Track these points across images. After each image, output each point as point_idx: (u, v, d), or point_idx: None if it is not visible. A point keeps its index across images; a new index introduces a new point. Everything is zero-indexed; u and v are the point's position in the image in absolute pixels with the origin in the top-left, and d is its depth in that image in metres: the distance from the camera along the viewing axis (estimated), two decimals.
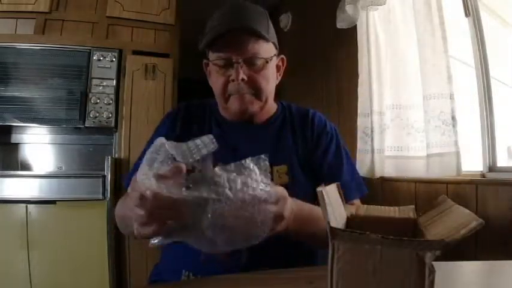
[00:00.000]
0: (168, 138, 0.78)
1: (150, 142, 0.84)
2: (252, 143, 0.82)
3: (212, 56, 0.79)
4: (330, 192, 0.38)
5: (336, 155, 0.85)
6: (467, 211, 0.33)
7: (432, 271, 0.29)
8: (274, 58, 0.83)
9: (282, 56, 0.88)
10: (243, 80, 0.76)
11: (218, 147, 0.77)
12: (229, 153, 0.78)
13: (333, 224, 0.33)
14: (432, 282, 0.29)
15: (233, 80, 0.76)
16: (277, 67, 0.87)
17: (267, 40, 0.78)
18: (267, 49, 0.79)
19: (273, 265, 0.64)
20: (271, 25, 0.82)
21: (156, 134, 0.85)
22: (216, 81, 0.81)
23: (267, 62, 0.79)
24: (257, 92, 0.79)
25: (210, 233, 0.45)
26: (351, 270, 0.32)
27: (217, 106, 0.88)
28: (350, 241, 0.32)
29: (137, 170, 0.77)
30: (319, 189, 0.35)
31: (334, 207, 0.37)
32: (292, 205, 0.57)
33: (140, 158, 0.85)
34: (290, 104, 0.93)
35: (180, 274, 0.73)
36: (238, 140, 0.82)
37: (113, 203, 1.91)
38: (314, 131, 0.86)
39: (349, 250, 0.32)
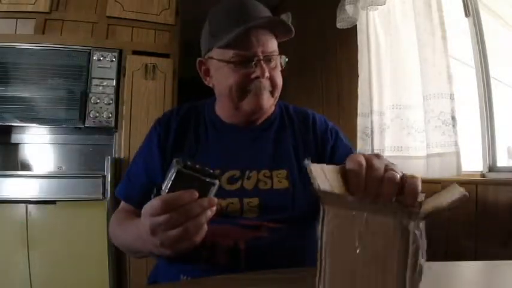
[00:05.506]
0: (163, 148, 0.78)
1: (143, 150, 0.83)
2: (251, 147, 0.79)
3: (226, 53, 0.73)
4: (327, 170, 0.38)
5: (345, 147, 0.83)
6: (458, 187, 0.34)
7: (416, 239, 0.29)
8: None
9: None
10: (266, 77, 0.73)
11: (218, 151, 0.77)
12: (229, 157, 0.77)
13: (323, 187, 0.34)
14: (417, 250, 0.29)
15: (257, 77, 0.72)
16: None
17: (289, 35, 0.78)
18: (276, 45, 0.77)
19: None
20: None
21: (149, 143, 0.81)
22: (226, 79, 0.74)
23: (280, 58, 0.78)
24: (274, 89, 0.77)
25: None
26: (339, 234, 0.34)
27: (212, 107, 0.84)
28: (338, 205, 0.34)
29: (129, 179, 0.77)
30: (306, 162, 0.36)
31: (328, 178, 0.37)
32: None
33: (131, 167, 0.83)
34: (287, 104, 0.90)
35: (178, 280, 0.70)
36: (238, 144, 0.79)
37: (113, 203, 1.91)
38: (317, 134, 0.83)
39: (337, 215, 0.34)
